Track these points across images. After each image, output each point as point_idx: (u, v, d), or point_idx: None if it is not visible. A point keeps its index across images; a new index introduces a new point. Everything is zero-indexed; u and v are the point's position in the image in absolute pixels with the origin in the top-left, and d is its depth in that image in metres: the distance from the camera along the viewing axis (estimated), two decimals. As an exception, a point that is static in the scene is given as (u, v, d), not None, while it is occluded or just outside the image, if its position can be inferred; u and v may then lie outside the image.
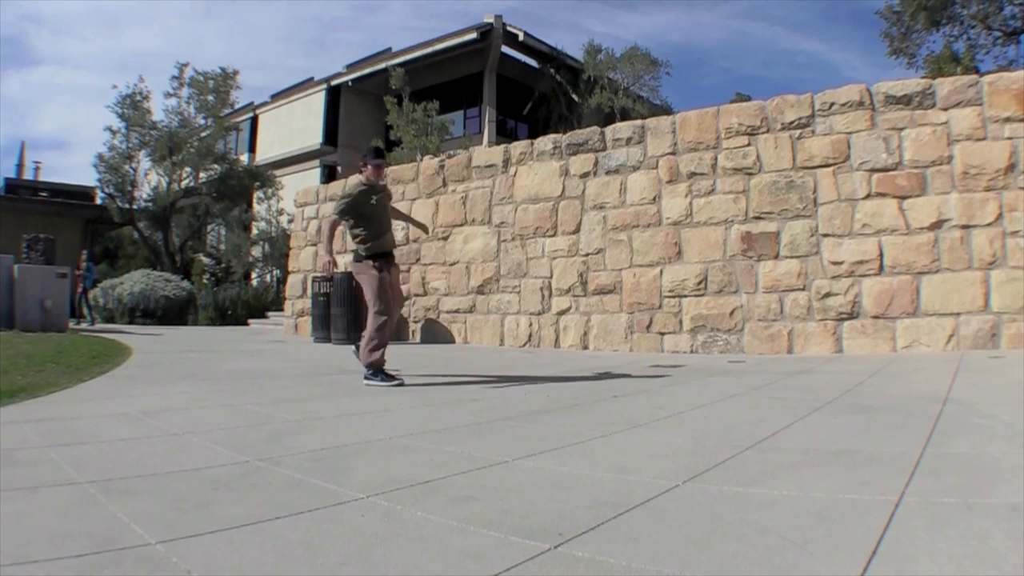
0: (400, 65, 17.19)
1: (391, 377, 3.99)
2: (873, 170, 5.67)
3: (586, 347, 7.01)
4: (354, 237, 4.23)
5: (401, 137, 15.50)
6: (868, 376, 3.92)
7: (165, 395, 3.47)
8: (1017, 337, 5.00)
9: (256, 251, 20.27)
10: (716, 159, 6.40)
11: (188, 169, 19.03)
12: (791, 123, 6.05)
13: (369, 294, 4.09)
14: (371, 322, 4.03)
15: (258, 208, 20.84)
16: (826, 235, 5.82)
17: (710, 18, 47.75)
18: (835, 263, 5.75)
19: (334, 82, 21.03)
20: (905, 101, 5.60)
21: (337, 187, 10.19)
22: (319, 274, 8.11)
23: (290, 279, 10.81)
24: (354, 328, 8.20)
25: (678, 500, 1.56)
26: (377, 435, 2.42)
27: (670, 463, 1.92)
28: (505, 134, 19.00)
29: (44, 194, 22.25)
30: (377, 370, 3.99)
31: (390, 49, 20.25)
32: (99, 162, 18.52)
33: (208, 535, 1.32)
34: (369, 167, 4.28)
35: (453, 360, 5.78)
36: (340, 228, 4.36)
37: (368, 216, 4.19)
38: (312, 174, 20.61)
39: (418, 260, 8.63)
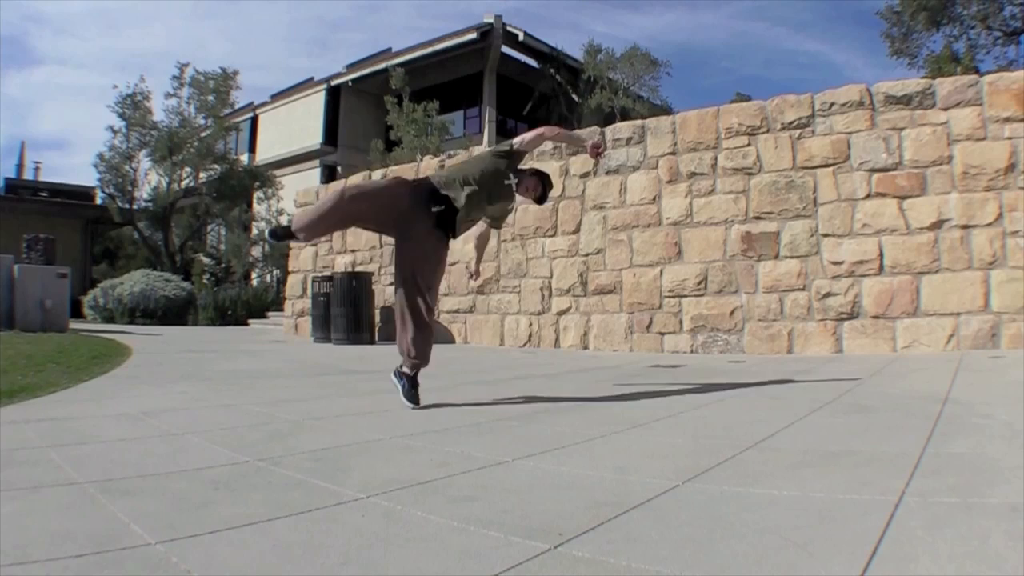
0: (400, 65, 17.19)
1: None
2: (873, 170, 5.67)
3: (586, 347, 7.01)
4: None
5: (401, 137, 15.50)
6: (868, 376, 3.92)
7: (165, 395, 3.47)
8: (1017, 337, 5.00)
9: (256, 251, 20.27)
10: (716, 159, 6.40)
11: (188, 169, 19.04)
12: (791, 123, 6.05)
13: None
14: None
15: (258, 208, 20.83)
16: (826, 235, 5.82)
17: (713, 18, 47.77)
18: (835, 263, 5.75)
19: (334, 82, 21.04)
20: (905, 101, 5.60)
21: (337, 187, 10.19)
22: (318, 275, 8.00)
23: (290, 279, 10.81)
24: (354, 328, 8.20)
25: (678, 500, 1.56)
26: (377, 435, 2.42)
27: (670, 463, 1.91)
28: (505, 134, 18.98)
29: (44, 194, 22.26)
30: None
31: (390, 49, 20.27)
32: (99, 162, 18.55)
33: (208, 535, 1.32)
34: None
35: (453, 360, 5.78)
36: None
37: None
38: (312, 174, 20.61)
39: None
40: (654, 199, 6.72)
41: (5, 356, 4.94)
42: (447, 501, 1.57)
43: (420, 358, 3.18)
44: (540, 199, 3.35)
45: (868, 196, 5.69)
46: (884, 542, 1.21)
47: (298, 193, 11.10)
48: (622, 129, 7.09)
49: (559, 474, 1.83)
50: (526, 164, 3.45)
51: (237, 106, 20.78)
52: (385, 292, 8.95)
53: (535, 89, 19.69)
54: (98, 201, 20.82)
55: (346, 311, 8.21)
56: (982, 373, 3.94)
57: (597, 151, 3.31)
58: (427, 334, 3.19)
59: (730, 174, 6.31)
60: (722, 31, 48.32)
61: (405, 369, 3.19)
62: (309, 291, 9.40)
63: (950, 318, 5.28)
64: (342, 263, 9.72)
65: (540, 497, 1.59)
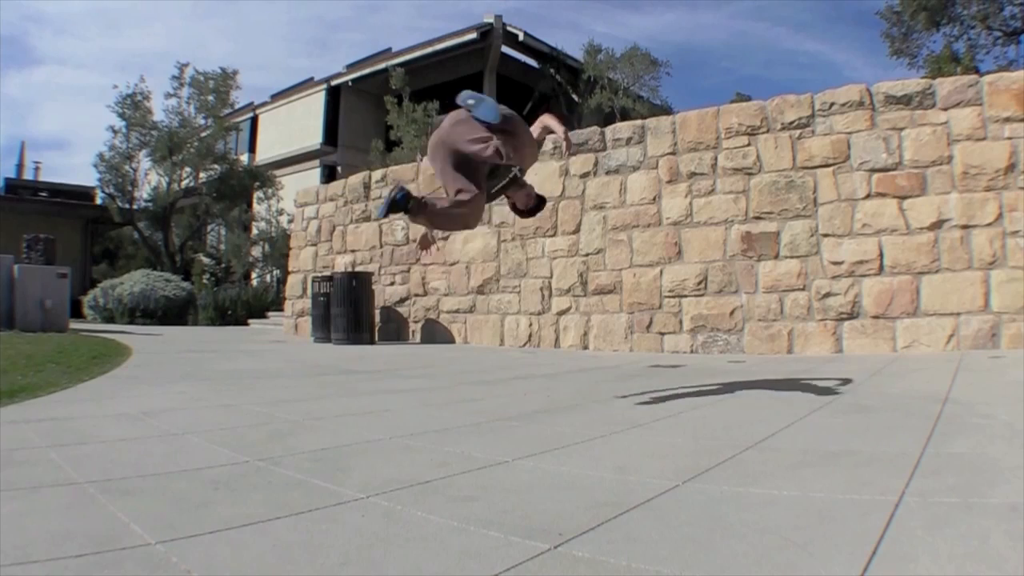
0: (400, 65, 17.19)
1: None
2: (873, 170, 5.67)
3: (586, 347, 7.01)
4: None
5: (401, 137, 15.50)
6: (868, 376, 3.92)
7: (165, 395, 3.47)
8: (1017, 337, 5.00)
9: (256, 251, 20.26)
10: (716, 159, 6.40)
11: (188, 169, 19.03)
12: (791, 123, 6.05)
13: None
14: None
15: (258, 208, 20.82)
16: (826, 235, 5.82)
17: (713, 18, 47.69)
18: (835, 263, 5.75)
19: (334, 82, 21.01)
20: (905, 101, 5.60)
21: (337, 187, 10.20)
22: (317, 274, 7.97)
23: (290, 279, 10.81)
24: (354, 328, 8.21)
25: (678, 500, 1.56)
26: (377, 435, 2.42)
27: (670, 463, 1.91)
28: (505, 134, 18.95)
29: (44, 194, 22.25)
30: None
31: (390, 49, 20.24)
32: (99, 162, 18.54)
33: (208, 535, 1.32)
34: None
35: (453, 360, 5.78)
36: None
37: None
38: (312, 174, 20.58)
39: (418, 260, 8.63)
40: (654, 199, 6.72)
41: (5, 356, 4.94)
42: (447, 501, 1.57)
43: (425, 195, 3.16)
44: (525, 212, 3.63)
45: (868, 196, 5.69)
46: (884, 542, 1.21)
47: (298, 193, 11.10)
48: (622, 129, 7.09)
49: (559, 474, 1.83)
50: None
51: (237, 106, 20.77)
52: (385, 292, 8.96)
53: (535, 89, 19.66)
54: (98, 201, 20.81)
55: (346, 311, 8.21)
56: (982, 373, 3.94)
57: (566, 140, 3.31)
58: (445, 205, 3.13)
59: (730, 174, 6.31)
60: (722, 31, 48.25)
61: (410, 190, 3.13)
62: (309, 291, 9.40)
63: (950, 318, 5.28)
64: (342, 263, 9.71)
65: (540, 497, 1.59)
